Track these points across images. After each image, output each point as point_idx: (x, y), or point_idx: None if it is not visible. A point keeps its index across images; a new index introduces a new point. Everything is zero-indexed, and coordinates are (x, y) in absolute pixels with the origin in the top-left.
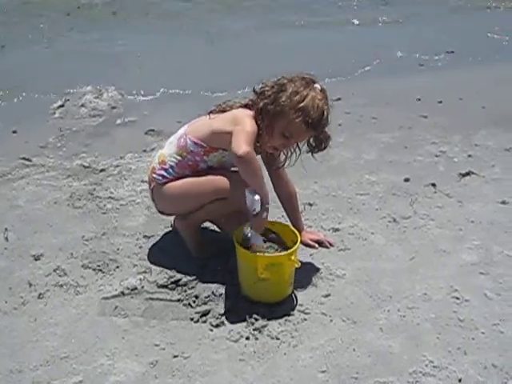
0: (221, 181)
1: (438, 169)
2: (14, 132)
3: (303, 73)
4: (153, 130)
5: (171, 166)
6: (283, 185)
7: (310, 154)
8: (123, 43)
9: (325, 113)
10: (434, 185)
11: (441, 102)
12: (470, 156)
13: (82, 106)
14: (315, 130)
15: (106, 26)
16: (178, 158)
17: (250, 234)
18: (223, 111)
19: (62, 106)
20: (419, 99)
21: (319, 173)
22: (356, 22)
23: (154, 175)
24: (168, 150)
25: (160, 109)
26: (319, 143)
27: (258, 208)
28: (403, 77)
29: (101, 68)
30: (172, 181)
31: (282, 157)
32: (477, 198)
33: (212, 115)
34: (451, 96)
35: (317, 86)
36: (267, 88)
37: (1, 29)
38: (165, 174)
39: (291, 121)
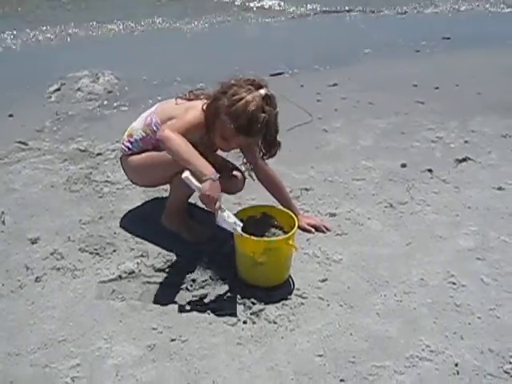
0: None
1: (435, 155)
2: (11, 116)
3: (257, 77)
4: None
5: (136, 140)
6: (264, 175)
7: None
8: (118, 28)
9: (259, 119)
10: (430, 170)
11: (437, 88)
12: (466, 142)
13: (79, 89)
14: (247, 136)
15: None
16: (143, 133)
17: (218, 216)
18: (189, 99)
19: (58, 89)
20: (415, 85)
21: (316, 158)
22: (353, 10)
23: (122, 146)
24: (137, 124)
25: (156, 93)
26: (267, 149)
27: (193, 185)
28: (400, 63)
29: (97, 52)
30: (137, 154)
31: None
32: (473, 183)
33: (179, 101)
34: (447, 82)
35: (261, 91)
36: (218, 87)
37: None
38: (130, 146)
39: (223, 124)
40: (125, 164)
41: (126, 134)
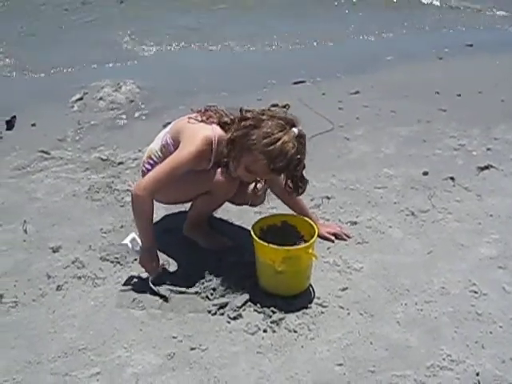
0: (203, 176)
1: (457, 162)
2: (33, 125)
3: (287, 113)
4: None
5: (155, 162)
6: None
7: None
8: (139, 36)
9: (295, 161)
10: (452, 178)
11: (460, 95)
12: (488, 149)
13: (101, 99)
14: (279, 175)
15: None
16: (161, 154)
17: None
18: (201, 120)
19: (80, 99)
20: (438, 92)
21: (337, 166)
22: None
23: (143, 168)
24: (155, 145)
25: (178, 102)
26: (295, 187)
27: (133, 250)
28: (422, 70)
29: (119, 61)
30: None
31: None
32: (496, 191)
33: (192, 120)
34: (470, 89)
35: (294, 130)
36: (247, 116)
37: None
38: (150, 168)
39: (256, 160)
40: None
41: (146, 155)
